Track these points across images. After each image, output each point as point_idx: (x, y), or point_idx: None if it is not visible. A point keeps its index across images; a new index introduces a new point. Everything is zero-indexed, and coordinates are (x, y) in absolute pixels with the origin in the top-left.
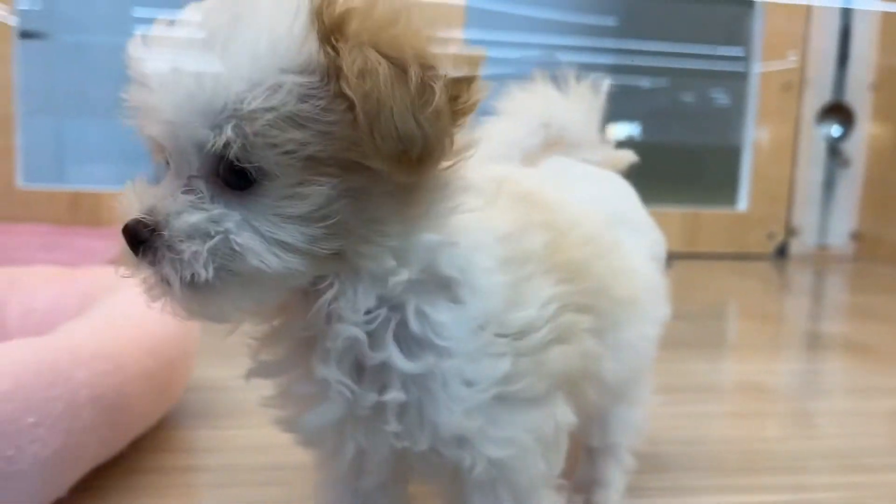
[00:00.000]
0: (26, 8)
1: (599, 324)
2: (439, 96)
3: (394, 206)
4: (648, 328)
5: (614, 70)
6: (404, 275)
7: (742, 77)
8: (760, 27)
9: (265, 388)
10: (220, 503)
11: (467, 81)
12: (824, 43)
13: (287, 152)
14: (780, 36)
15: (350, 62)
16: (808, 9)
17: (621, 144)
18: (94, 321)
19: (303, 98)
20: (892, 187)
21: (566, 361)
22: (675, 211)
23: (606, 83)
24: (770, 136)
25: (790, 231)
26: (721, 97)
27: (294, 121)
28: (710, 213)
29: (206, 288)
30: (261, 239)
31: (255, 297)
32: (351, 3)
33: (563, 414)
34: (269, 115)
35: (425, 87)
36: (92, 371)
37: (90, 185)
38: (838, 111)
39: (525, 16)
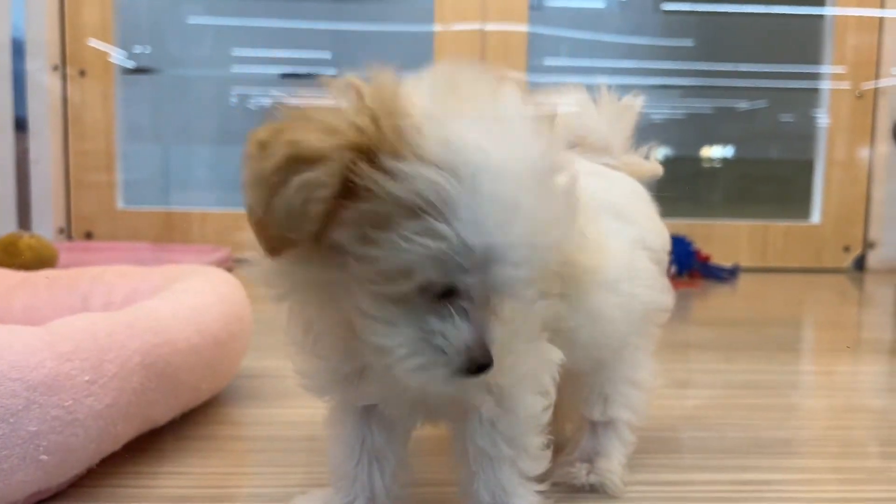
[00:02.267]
0: (139, 51)
1: (566, 288)
2: None
3: None
4: (616, 298)
5: (691, 91)
6: None
7: (814, 91)
8: (831, 41)
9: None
10: (258, 464)
11: None
12: None
13: None
14: (851, 49)
15: None
16: (881, 20)
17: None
18: (151, 303)
19: None
20: None
21: (545, 312)
22: (746, 224)
23: (640, 100)
24: (844, 149)
25: (868, 244)
26: (794, 112)
27: None
28: (782, 226)
29: None
30: None
31: None
32: None
33: (549, 350)
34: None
35: None
36: (144, 342)
37: (183, 206)
38: None
39: (598, 41)
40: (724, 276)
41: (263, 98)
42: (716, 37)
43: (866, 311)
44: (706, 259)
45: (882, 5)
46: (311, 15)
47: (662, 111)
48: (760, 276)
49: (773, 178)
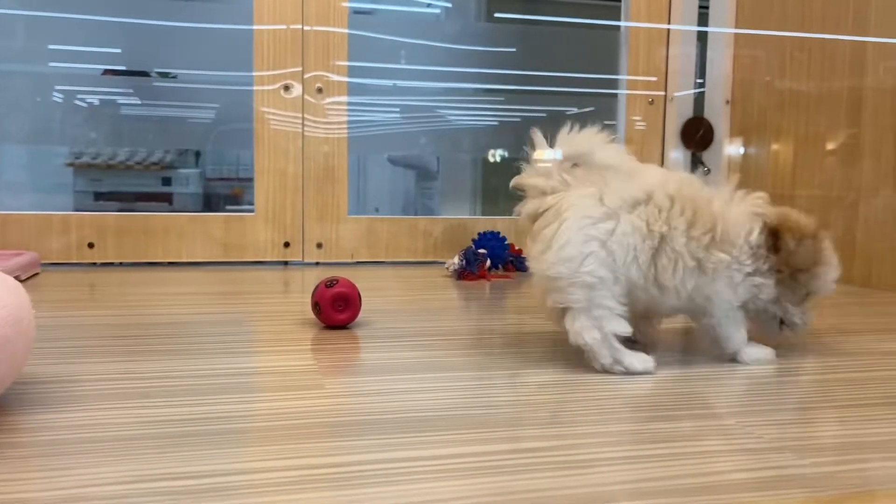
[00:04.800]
0: None
1: None
2: None
3: None
4: None
5: (517, 97)
6: None
7: (614, 97)
8: (625, 52)
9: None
10: (35, 469)
11: None
12: (684, 63)
13: None
14: (643, 59)
15: None
16: (668, 32)
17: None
18: None
19: None
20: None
21: None
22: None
23: None
24: (641, 152)
25: None
26: (616, 118)
27: None
28: None
29: None
30: None
31: None
32: None
33: None
34: None
35: None
36: None
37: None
38: (700, 125)
39: (429, 45)
40: None
41: (89, 96)
42: (536, 45)
43: None
44: (518, 253)
45: (669, 21)
46: (130, 11)
47: (497, 116)
48: None
49: None
